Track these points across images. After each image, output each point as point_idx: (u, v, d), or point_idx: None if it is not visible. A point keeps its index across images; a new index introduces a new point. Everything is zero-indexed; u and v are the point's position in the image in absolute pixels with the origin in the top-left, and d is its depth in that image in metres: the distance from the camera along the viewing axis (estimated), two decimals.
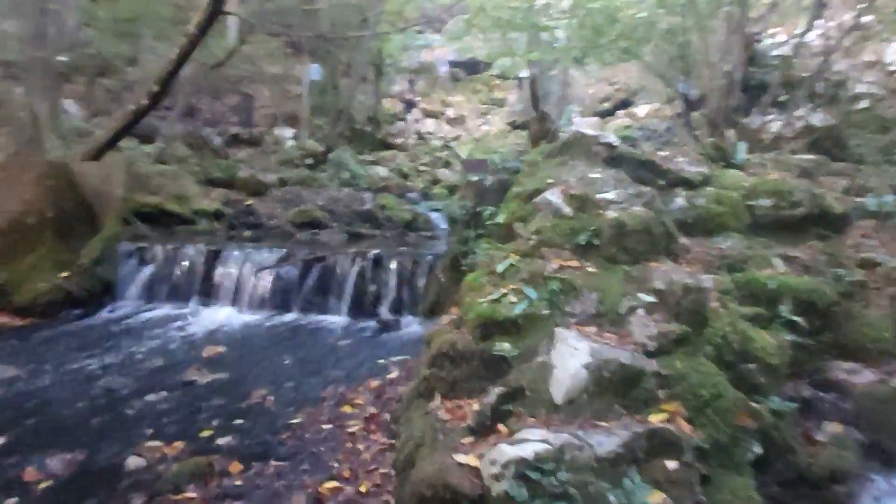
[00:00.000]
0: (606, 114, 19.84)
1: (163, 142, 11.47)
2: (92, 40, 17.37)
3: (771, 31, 10.70)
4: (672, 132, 13.01)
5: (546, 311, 3.07)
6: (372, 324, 5.32)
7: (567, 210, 3.54)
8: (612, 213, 3.38)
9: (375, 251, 5.75)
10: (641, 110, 17.89)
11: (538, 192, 3.89)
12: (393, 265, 5.59)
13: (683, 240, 3.83)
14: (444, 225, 11.75)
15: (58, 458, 2.94)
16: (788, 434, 2.95)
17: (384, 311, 5.45)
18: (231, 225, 9.81)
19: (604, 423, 2.49)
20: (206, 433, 3.22)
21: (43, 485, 2.77)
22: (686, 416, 2.63)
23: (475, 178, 5.14)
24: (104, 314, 5.68)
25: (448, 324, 3.76)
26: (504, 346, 2.96)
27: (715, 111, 8.14)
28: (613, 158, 4.06)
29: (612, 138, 4.16)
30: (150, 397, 3.73)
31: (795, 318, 3.40)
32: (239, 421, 3.36)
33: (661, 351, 2.83)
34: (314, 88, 17.83)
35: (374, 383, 3.80)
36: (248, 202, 11.12)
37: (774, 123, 8.22)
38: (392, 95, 20.52)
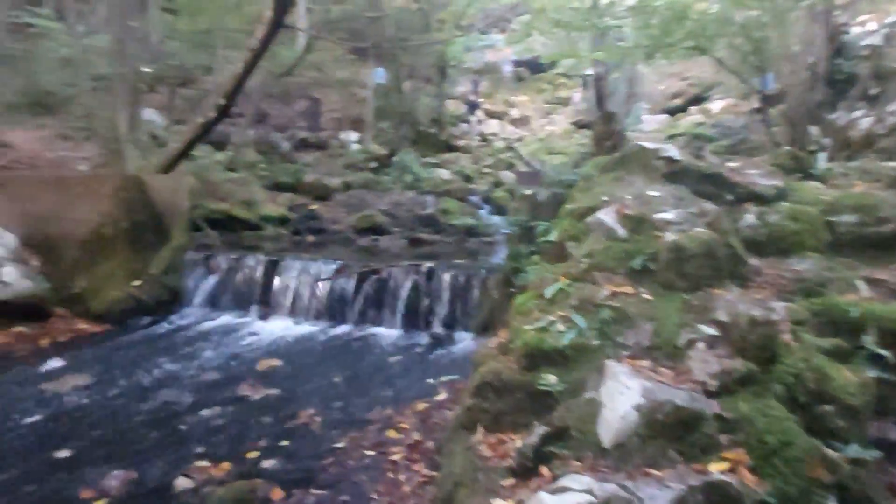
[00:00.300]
0: (677, 110, 18.98)
1: (233, 149, 11.84)
2: (174, 52, 18.28)
3: (860, 19, 9.87)
4: (748, 129, 12.26)
5: (596, 342, 2.88)
6: (424, 338, 5.25)
7: (621, 231, 3.32)
8: (670, 236, 3.14)
9: (429, 264, 5.68)
10: (716, 106, 16.98)
11: (592, 209, 3.69)
12: (446, 278, 5.50)
13: (754, 261, 3.52)
14: (505, 230, 11.56)
15: (113, 476, 3.02)
16: (870, 485, 2.63)
17: (437, 326, 5.38)
18: (296, 230, 9.99)
19: (656, 472, 2.29)
20: (252, 455, 3.23)
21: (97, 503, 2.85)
22: (750, 466, 2.38)
23: (528, 192, 4.96)
24: (171, 322, 5.89)
25: (495, 347, 3.62)
26: (550, 380, 2.80)
27: (795, 107, 7.56)
28: (675, 173, 3.78)
29: (674, 151, 3.87)
30: (205, 412, 3.79)
31: (881, 350, 3.04)
32: (285, 442, 3.36)
33: (723, 391, 2.58)
34: (379, 92, 17.99)
35: (421, 406, 3.72)
36: (312, 206, 11.29)
37: (864, 119, 7.57)
38: (455, 97, 20.43)
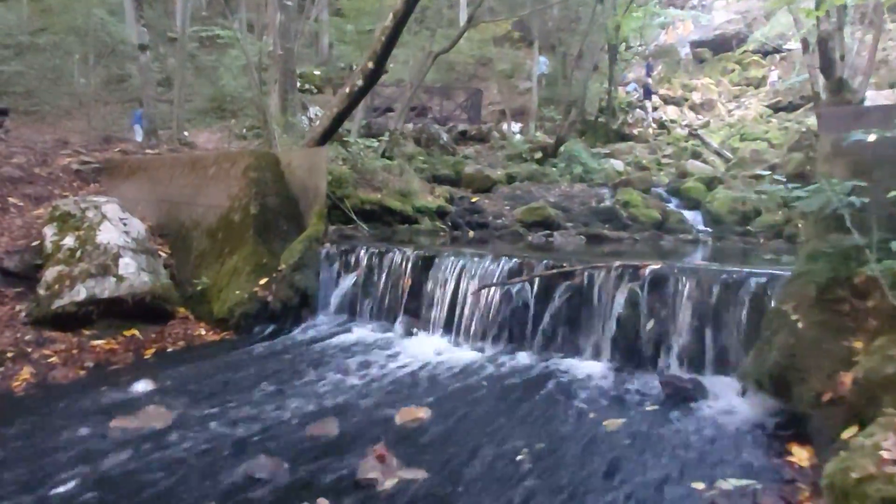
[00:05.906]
0: None
1: (391, 137, 10.65)
2: (341, 55, 18.02)
3: None
4: None
5: None
6: (652, 383, 3.16)
7: None
8: None
9: (654, 266, 3.54)
10: None
11: None
12: (686, 289, 3.35)
13: None
14: (702, 226, 9.07)
15: None
16: None
17: (670, 364, 3.26)
18: (454, 224, 8.44)
19: None
20: None
21: None
22: None
23: (854, 139, 2.68)
24: (297, 333, 4.42)
25: (883, 461, 1.49)
26: None
27: None
28: None
29: None
30: None
31: None
32: None
33: None
34: (543, 81, 16.20)
35: None
36: (473, 199, 9.72)
37: None
38: (628, 83, 17.86)
